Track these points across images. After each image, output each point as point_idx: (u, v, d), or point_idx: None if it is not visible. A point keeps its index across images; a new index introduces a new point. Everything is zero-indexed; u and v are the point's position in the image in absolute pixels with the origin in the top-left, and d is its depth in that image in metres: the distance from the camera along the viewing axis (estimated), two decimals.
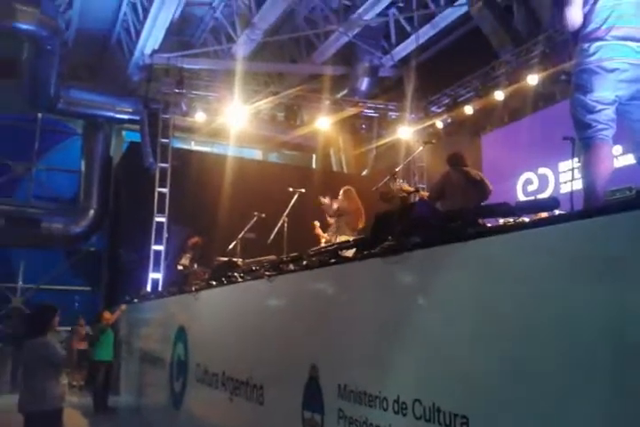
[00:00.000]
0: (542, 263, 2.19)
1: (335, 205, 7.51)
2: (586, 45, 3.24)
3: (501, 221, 3.46)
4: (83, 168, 14.23)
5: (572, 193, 3.87)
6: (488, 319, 2.39)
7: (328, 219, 7.53)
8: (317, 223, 7.55)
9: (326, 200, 7.55)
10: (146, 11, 11.12)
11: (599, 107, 3.13)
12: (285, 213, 7.30)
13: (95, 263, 14.88)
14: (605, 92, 3.13)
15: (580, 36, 3.31)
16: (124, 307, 9.78)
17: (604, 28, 3.20)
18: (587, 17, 3.27)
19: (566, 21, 3.33)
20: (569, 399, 1.99)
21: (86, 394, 10.49)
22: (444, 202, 5.74)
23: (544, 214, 3.29)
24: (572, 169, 4.48)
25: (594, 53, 3.19)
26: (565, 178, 8.89)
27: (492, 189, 5.95)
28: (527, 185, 9.92)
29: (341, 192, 7.67)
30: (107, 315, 9.72)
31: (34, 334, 4.80)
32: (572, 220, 2.14)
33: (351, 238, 6.99)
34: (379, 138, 13.73)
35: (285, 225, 7.22)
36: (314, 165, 17.01)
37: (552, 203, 2.92)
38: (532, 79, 9.70)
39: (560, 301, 2.08)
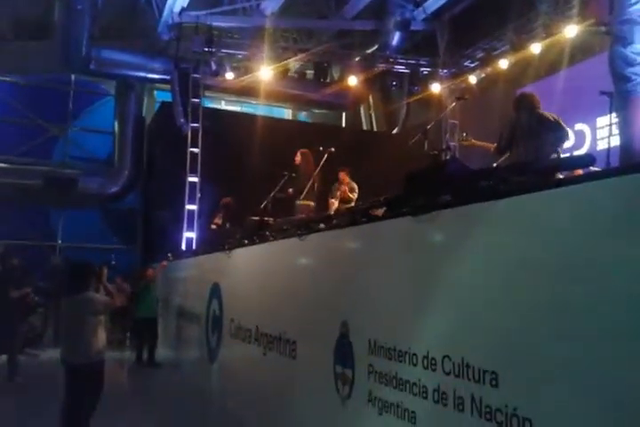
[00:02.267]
0: (577, 220, 2.16)
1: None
2: None
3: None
4: (116, 129, 14.37)
5: (608, 149, 3.78)
6: (518, 277, 2.39)
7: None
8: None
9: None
10: None
11: None
12: (315, 173, 7.30)
13: (130, 222, 15.17)
14: None
15: None
16: (165, 263, 9.91)
17: None
18: None
19: None
20: (600, 356, 1.99)
21: (126, 349, 10.87)
22: (517, 150, 5.19)
23: (580, 171, 3.23)
24: (610, 125, 4.36)
25: (636, 3, 3.06)
26: (603, 134, 8.64)
27: (568, 131, 5.24)
28: None
29: (299, 154, 7.73)
30: (149, 271, 9.84)
31: (75, 290, 4.95)
32: (608, 177, 2.10)
33: (309, 202, 7.19)
34: (410, 95, 13.44)
35: (315, 185, 7.23)
36: (344, 124, 16.84)
37: (588, 159, 2.87)
38: (570, 31, 9.32)
39: (595, 257, 2.06)
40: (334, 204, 7.73)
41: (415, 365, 2.91)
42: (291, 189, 7.61)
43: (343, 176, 8.03)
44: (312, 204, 7.31)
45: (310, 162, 7.70)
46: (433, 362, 2.79)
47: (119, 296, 5.94)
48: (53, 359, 5.26)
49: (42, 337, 10.85)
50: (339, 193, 7.83)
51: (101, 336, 4.97)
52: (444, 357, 2.71)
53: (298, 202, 7.34)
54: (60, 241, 14.84)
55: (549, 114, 5.26)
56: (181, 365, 8.65)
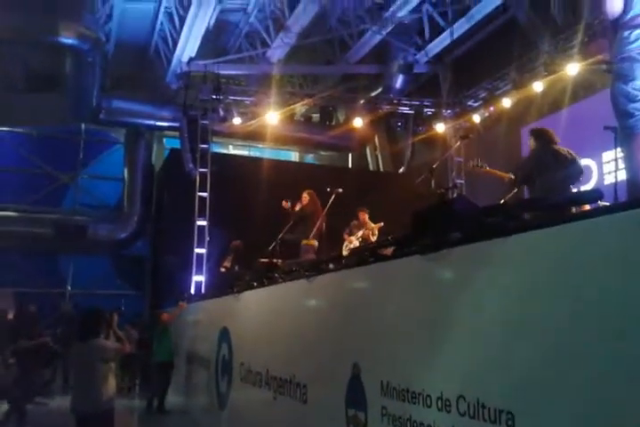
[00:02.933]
0: (587, 256, 2.14)
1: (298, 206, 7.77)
2: (626, 33, 3.16)
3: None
4: (126, 176, 14.57)
5: (615, 184, 3.78)
6: (531, 315, 2.36)
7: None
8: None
9: (287, 204, 7.94)
10: (182, 19, 11.30)
11: None
12: (323, 213, 7.33)
13: (140, 268, 15.20)
14: None
15: (620, 24, 3.24)
16: (183, 304, 9.62)
17: None
18: (627, 4, 3.20)
19: (606, 9, 3.26)
20: (617, 395, 1.94)
21: (135, 396, 10.68)
22: (533, 185, 5.23)
23: (588, 206, 3.23)
24: (616, 159, 4.37)
25: (635, 41, 3.11)
26: (609, 169, 8.66)
27: (582, 168, 5.42)
28: None
29: (306, 194, 7.83)
30: (165, 316, 9.72)
31: (85, 337, 4.93)
32: (616, 211, 2.09)
33: (313, 242, 7.26)
34: (415, 135, 13.62)
35: (324, 225, 7.25)
36: (350, 165, 17.01)
37: (595, 194, 2.86)
38: (572, 69, 9.48)
39: (606, 293, 2.04)
40: (352, 241, 7.78)
41: (429, 406, 2.84)
42: (287, 230, 7.69)
43: (363, 216, 8.10)
44: (316, 243, 7.34)
45: (317, 202, 7.76)
46: (447, 403, 2.72)
47: (128, 343, 5.89)
48: (62, 408, 5.19)
49: (51, 385, 10.71)
50: (361, 233, 7.87)
51: (111, 383, 4.92)
52: (459, 397, 2.64)
53: (303, 242, 7.36)
54: (69, 287, 14.84)
55: (565, 149, 5.29)
56: (191, 410, 8.49)
